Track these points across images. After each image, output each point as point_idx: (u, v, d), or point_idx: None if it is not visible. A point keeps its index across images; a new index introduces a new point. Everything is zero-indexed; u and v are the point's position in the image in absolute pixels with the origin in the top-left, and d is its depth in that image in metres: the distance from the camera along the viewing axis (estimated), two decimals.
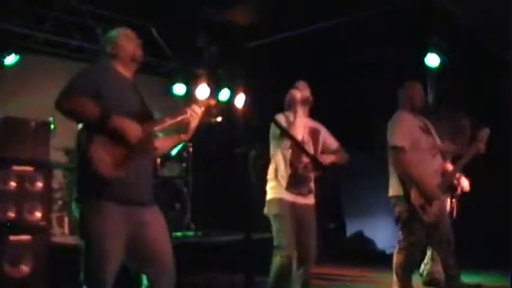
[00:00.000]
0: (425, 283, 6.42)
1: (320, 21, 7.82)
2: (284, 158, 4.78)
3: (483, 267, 6.65)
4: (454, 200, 6.03)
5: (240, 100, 9.28)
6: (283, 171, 4.77)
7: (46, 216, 5.52)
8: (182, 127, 3.50)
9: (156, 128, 3.38)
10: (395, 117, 5.09)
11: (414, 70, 8.06)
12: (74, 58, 8.54)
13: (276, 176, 4.83)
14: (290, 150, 4.75)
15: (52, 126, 6.41)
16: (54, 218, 6.86)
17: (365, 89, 9.29)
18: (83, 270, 3.11)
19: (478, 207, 6.69)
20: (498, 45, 7.22)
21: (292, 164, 4.75)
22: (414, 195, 4.79)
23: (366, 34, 7.97)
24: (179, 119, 3.42)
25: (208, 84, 9.17)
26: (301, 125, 4.77)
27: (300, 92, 4.96)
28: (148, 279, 3.26)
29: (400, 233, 5.01)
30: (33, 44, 7.98)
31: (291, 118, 4.79)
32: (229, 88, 9.37)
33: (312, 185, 5.05)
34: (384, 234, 10.24)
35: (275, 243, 4.79)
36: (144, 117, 3.31)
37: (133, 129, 3.17)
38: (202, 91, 9.14)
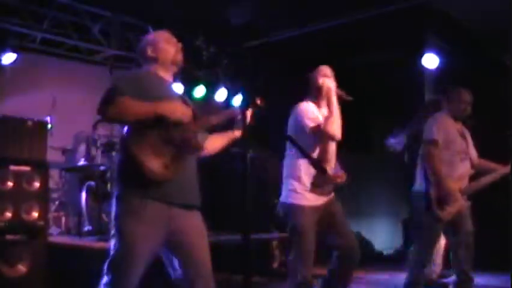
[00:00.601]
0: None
1: (318, 22, 7.82)
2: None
3: (483, 267, 6.65)
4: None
5: (237, 101, 9.29)
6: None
7: (43, 216, 5.51)
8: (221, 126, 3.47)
9: (203, 127, 3.32)
10: (435, 116, 5.14)
11: (413, 71, 8.08)
12: (71, 57, 8.53)
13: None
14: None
15: (49, 126, 6.40)
16: (51, 218, 6.85)
17: (364, 90, 9.28)
18: (110, 258, 3.07)
19: (477, 207, 6.69)
20: (497, 46, 7.23)
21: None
22: (434, 191, 4.82)
23: (365, 35, 7.97)
24: (226, 115, 3.39)
25: (206, 85, 9.18)
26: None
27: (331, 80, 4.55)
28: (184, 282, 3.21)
29: (414, 232, 5.05)
30: (31, 43, 7.96)
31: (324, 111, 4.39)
32: (226, 88, 9.36)
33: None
34: (382, 236, 10.25)
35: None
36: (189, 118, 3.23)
37: (180, 108, 3.11)
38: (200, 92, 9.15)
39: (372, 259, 9.34)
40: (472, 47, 7.51)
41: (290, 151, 4.40)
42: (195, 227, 3.25)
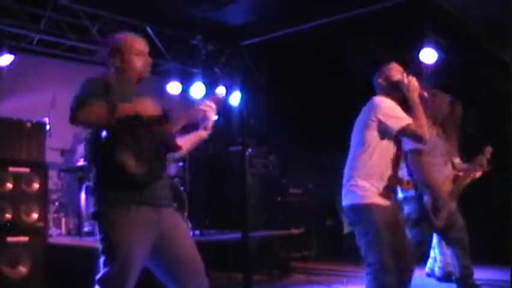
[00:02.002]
0: (440, 278, 6.47)
1: (316, 19, 7.81)
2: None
3: (482, 262, 6.66)
4: None
5: (235, 99, 9.31)
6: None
7: (43, 217, 5.51)
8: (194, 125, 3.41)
9: (177, 127, 3.26)
10: None
11: (411, 67, 8.06)
12: (68, 58, 8.53)
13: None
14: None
15: (48, 127, 6.40)
16: (51, 219, 6.85)
17: (363, 87, 9.27)
18: (103, 275, 3.00)
19: (477, 203, 6.71)
20: (495, 41, 7.22)
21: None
22: (427, 198, 4.83)
23: (363, 31, 7.96)
24: (195, 115, 3.30)
25: (204, 83, 9.18)
26: None
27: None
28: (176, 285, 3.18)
29: (408, 232, 5.05)
30: (28, 44, 7.95)
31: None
32: (224, 86, 9.37)
33: None
34: None
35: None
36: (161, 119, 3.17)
37: (149, 106, 3.05)
38: (198, 90, 9.14)
39: None
40: (470, 42, 7.50)
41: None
42: (179, 225, 3.24)
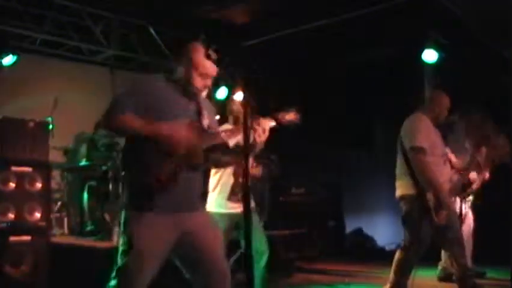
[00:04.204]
0: (441, 279, 6.50)
1: (318, 19, 7.81)
2: None
3: (483, 261, 6.67)
4: (462, 201, 6.09)
5: (238, 98, 9.29)
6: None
7: (46, 216, 5.51)
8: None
9: (210, 143, 3.28)
10: (414, 118, 5.12)
11: (413, 67, 8.07)
12: (72, 58, 8.54)
13: None
14: None
15: (51, 127, 6.41)
16: (53, 218, 6.86)
17: (364, 87, 9.29)
18: (119, 266, 3.11)
19: (478, 201, 6.72)
20: (497, 40, 7.22)
21: None
22: (429, 196, 4.83)
23: (365, 31, 7.97)
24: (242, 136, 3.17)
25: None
26: None
27: None
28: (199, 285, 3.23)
29: (407, 232, 5.05)
30: (31, 45, 7.97)
31: None
32: (227, 86, 9.37)
33: None
34: (384, 231, 10.26)
35: None
36: (199, 128, 3.23)
37: (180, 138, 3.10)
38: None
39: (375, 254, 9.36)
40: (472, 41, 7.50)
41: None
42: (202, 226, 3.27)
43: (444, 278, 6.47)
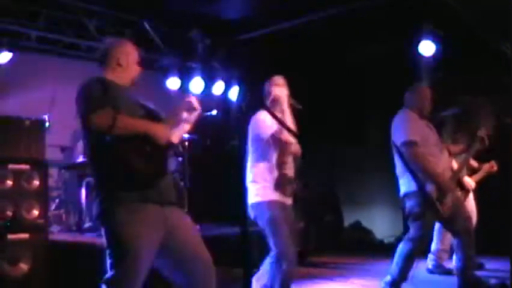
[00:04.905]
0: (432, 271, 6.54)
1: (315, 12, 7.80)
2: None
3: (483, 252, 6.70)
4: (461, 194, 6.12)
5: (234, 93, 9.29)
6: None
7: (44, 214, 5.51)
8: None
9: (173, 125, 3.30)
10: (401, 115, 5.14)
11: (408, 61, 8.05)
12: (67, 55, 8.52)
13: None
14: None
15: (47, 124, 6.40)
16: (51, 216, 6.86)
17: (359, 83, 9.29)
18: (113, 275, 3.01)
19: (479, 192, 6.75)
20: (493, 33, 7.21)
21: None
22: (430, 188, 4.83)
23: (360, 25, 7.95)
24: (190, 114, 3.32)
25: (203, 78, 9.17)
26: None
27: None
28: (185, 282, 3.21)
29: (411, 225, 5.06)
30: (26, 42, 7.95)
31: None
32: (223, 81, 9.36)
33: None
34: (382, 224, 10.29)
35: None
36: (154, 119, 3.26)
37: (161, 129, 3.13)
38: (197, 85, 9.13)
39: (373, 247, 9.39)
40: (469, 35, 7.49)
41: None
42: (184, 221, 3.28)
43: (435, 270, 6.53)
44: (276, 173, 4.56)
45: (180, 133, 3.39)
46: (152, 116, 3.27)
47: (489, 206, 6.74)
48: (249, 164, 4.65)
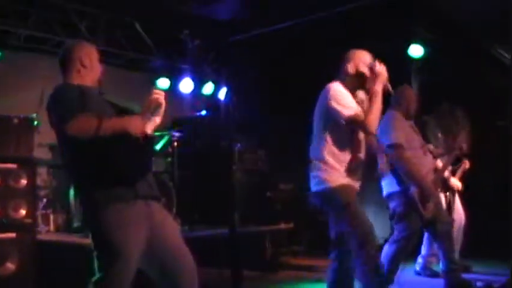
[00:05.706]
0: (418, 273, 6.55)
1: (305, 15, 7.81)
2: None
3: (482, 255, 6.71)
4: (448, 195, 6.14)
5: (223, 94, 9.30)
6: None
7: (31, 213, 5.49)
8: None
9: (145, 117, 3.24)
10: (387, 117, 5.16)
11: (399, 63, 8.08)
12: (57, 54, 8.47)
13: None
14: None
15: (36, 123, 6.37)
16: (39, 216, 6.82)
17: None
18: (104, 276, 2.97)
19: (476, 196, 6.78)
20: (484, 36, 7.25)
21: None
22: (414, 190, 4.86)
23: (351, 27, 7.97)
24: (161, 108, 3.25)
25: (193, 79, 9.18)
26: None
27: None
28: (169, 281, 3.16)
29: (395, 227, 5.08)
30: (16, 41, 7.91)
31: None
32: (213, 82, 9.36)
33: None
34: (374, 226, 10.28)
35: None
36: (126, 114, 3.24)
37: (135, 121, 3.08)
38: (187, 86, 9.14)
39: None
40: (458, 37, 7.52)
41: None
42: (166, 219, 3.25)
43: (423, 272, 6.55)
44: (348, 156, 4.15)
45: (152, 126, 3.29)
46: (123, 112, 3.27)
47: (477, 208, 6.77)
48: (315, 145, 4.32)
